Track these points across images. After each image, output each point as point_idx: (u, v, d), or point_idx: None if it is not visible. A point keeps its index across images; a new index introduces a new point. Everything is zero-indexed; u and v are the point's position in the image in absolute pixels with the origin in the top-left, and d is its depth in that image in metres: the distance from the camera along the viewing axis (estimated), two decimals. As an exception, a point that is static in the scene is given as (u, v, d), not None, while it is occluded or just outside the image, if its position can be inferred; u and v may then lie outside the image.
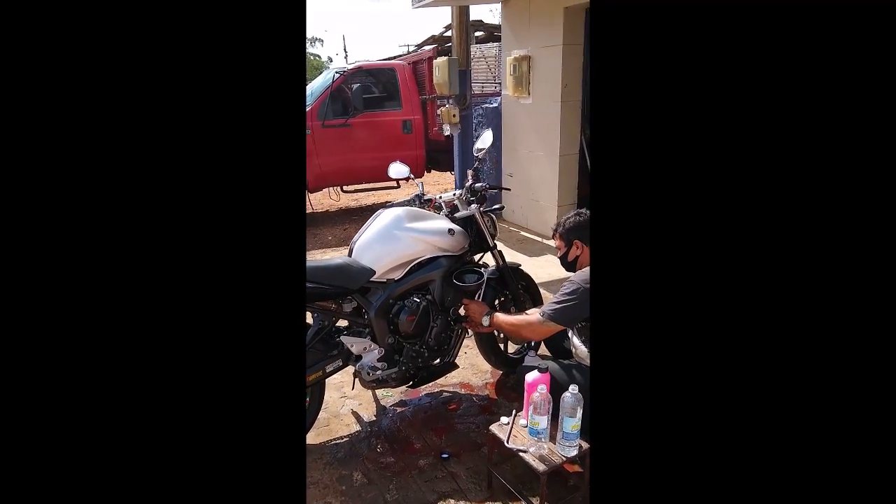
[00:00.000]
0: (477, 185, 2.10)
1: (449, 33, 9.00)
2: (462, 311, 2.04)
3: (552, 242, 1.88)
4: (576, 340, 1.76)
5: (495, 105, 4.94)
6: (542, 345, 2.29)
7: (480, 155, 2.16)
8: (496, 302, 2.32)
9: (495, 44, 8.38)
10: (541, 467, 1.47)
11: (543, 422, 1.49)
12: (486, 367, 2.44)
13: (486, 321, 1.90)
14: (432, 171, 6.17)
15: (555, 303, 1.67)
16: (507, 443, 1.57)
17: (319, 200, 6.21)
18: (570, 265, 1.85)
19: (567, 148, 4.26)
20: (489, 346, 2.30)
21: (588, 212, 1.81)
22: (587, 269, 1.69)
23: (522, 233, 4.62)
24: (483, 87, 6.70)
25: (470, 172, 2.17)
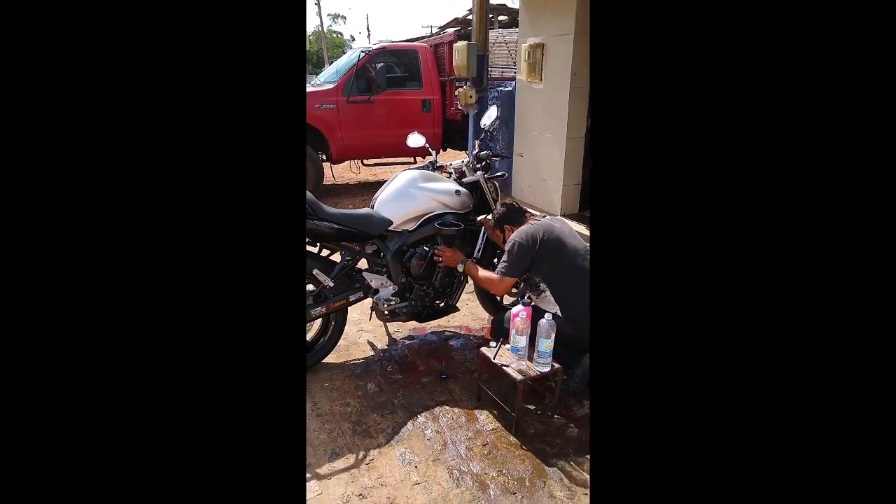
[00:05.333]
0: (482, 152, 2.45)
1: (472, 16, 9.23)
2: (437, 256, 2.28)
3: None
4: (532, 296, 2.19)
5: (510, 89, 5.25)
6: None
7: (486, 128, 2.51)
8: (495, 259, 2.69)
9: (516, 29, 8.59)
10: (519, 377, 1.85)
11: (523, 341, 1.86)
12: (485, 315, 2.82)
13: (460, 267, 2.27)
14: (448, 149, 6.50)
15: (503, 261, 2.12)
16: (494, 359, 1.95)
17: (341, 173, 6.59)
18: None
19: (574, 131, 4.57)
20: (487, 295, 2.67)
21: (511, 202, 2.28)
22: (519, 229, 2.15)
23: (530, 209, 4.95)
24: (503, 71, 6.92)
25: (477, 143, 2.52)
